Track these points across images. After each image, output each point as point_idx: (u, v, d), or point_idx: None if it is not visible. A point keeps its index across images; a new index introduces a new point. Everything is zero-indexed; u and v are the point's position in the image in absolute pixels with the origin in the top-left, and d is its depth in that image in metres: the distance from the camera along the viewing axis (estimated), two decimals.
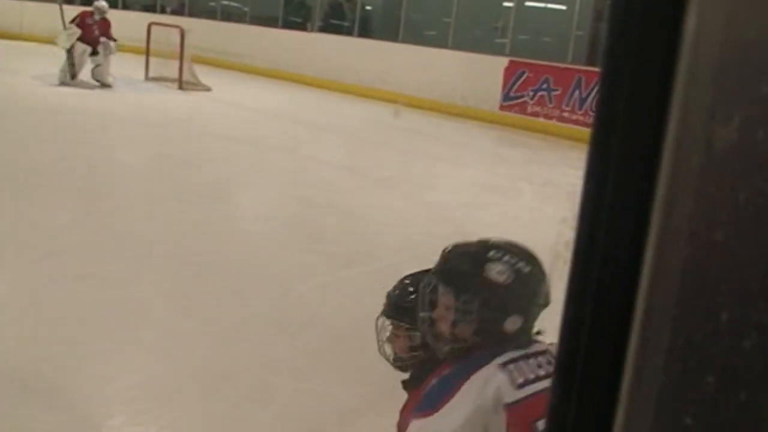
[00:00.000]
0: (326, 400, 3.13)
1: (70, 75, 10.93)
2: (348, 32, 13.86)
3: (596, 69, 10.23)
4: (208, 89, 11.88)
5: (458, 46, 12.04)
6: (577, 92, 10.50)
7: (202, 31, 13.99)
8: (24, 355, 3.23)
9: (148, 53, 12.37)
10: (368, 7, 14.39)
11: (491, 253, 1.62)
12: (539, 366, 1.53)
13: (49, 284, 4.02)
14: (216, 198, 6.11)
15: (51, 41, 15.18)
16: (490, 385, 1.51)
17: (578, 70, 10.53)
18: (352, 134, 9.75)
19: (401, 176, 7.42)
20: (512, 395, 1.47)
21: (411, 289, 1.92)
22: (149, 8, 16.77)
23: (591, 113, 10.27)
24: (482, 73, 11.57)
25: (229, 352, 3.47)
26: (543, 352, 1.56)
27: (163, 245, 4.77)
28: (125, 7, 16.35)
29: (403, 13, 12.96)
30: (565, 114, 10.66)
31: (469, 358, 1.62)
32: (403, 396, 1.87)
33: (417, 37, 12.87)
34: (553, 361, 1.54)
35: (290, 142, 8.58)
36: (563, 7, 11.59)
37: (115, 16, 11.48)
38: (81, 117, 8.95)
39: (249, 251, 4.85)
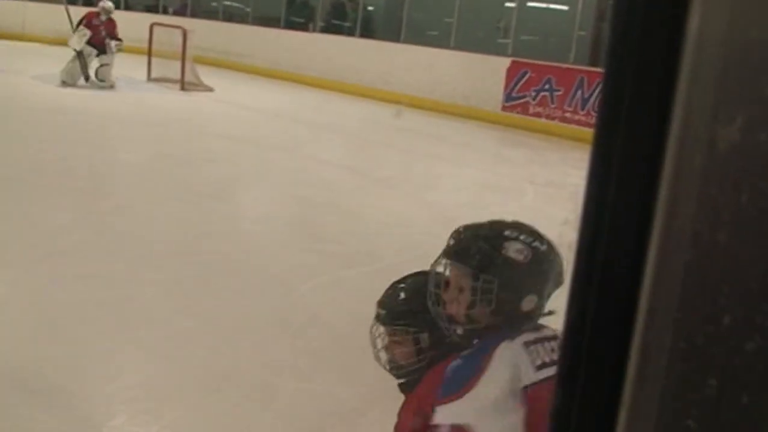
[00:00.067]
0: (327, 400, 3.13)
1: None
2: (350, 32, 13.87)
3: (599, 69, 10.23)
4: (210, 89, 11.89)
5: (460, 46, 12.04)
6: (579, 92, 10.50)
7: (204, 31, 14.01)
8: (24, 354, 3.23)
9: (150, 54, 12.39)
10: (370, 8, 14.40)
11: (507, 232, 1.61)
12: (552, 350, 1.52)
13: (49, 284, 4.02)
14: (217, 198, 6.11)
15: (53, 42, 15.25)
16: (516, 360, 1.49)
17: (581, 71, 10.53)
18: (354, 134, 9.75)
19: (402, 176, 7.42)
20: (533, 376, 1.46)
21: (410, 292, 1.91)
22: (151, 9, 16.80)
23: (593, 113, 10.27)
24: (484, 74, 11.57)
25: (230, 351, 3.47)
26: (554, 337, 1.55)
27: (164, 245, 4.77)
28: (127, 7, 16.38)
29: (405, 13, 12.97)
30: (568, 114, 10.66)
31: (486, 337, 1.60)
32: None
33: (419, 37, 12.87)
34: None
35: (292, 142, 8.58)
36: (565, 8, 11.59)
37: (118, 17, 11.49)
38: (82, 117, 8.96)
39: (250, 251, 4.85)
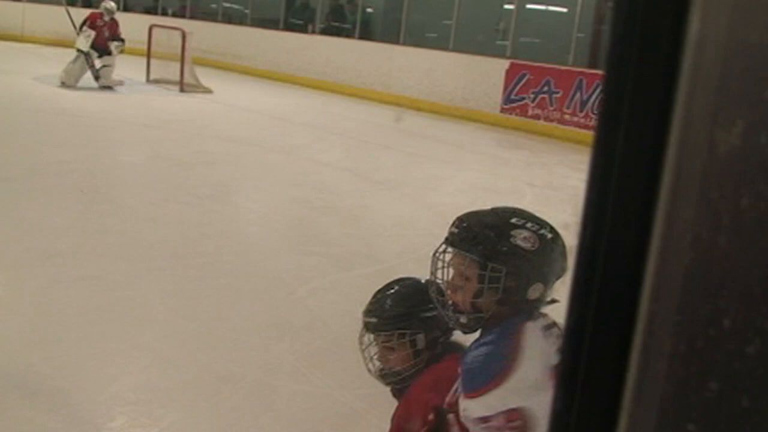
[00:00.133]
0: (327, 402, 3.13)
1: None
2: (349, 34, 13.87)
3: (598, 71, 10.25)
4: (209, 91, 11.89)
5: (459, 48, 12.05)
6: (578, 94, 10.50)
7: (203, 33, 14.02)
8: (24, 356, 3.23)
9: (149, 55, 12.39)
10: (369, 9, 14.40)
11: (514, 220, 1.59)
12: (558, 337, 1.51)
13: (49, 286, 4.02)
14: (217, 200, 6.11)
15: (52, 43, 15.25)
16: (542, 341, 1.49)
17: (580, 72, 10.54)
18: (353, 136, 9.75)
19: (402, 178, 7.42)
20: (555, 360, 1.46)
21: (396, 297, 1.92)
22: (150, 10, 16.79)
23: (592, 115, 10.27)
24: (483, 76, 11.57)
25: (229, 353, 3.47)
26: (556, 324, 1.54)
27: (164, 247, 4.76)
28: (126, 9, 16.37)
29: (404, 15, 12.97)
30: (567, 116, 10.66)
31: (499, 324, 1.57)
32: None
33: (418, 39, 12.88)
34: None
35: (291, 144, 8.58)
36: (564, 10, 11.60)
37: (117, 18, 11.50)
38: (81, 118, 8.95)
39: (249, 253, 4.85)
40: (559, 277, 1.60)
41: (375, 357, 1.92)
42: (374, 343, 1.91)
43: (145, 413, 2.94)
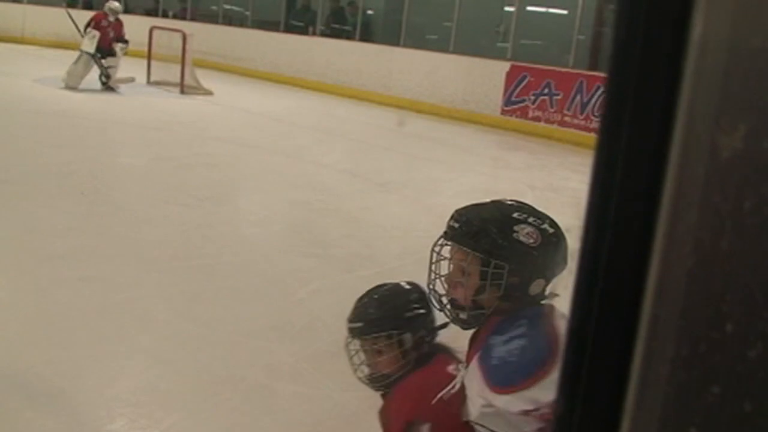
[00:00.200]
0: (327, 404, 3.13)
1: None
2: (350, 36, 13.88)
3: (598, 73, 10.25)
4: (210, 93, 11.89)
5: (460, 50, 12.05)
6: (578, 96, 10.50)
7: (203, 34, 14.03)
8: (25, 358, 3.23)
9: (149, 57, 12.40)
10: (370, 12, 14.41)
11: (516, 215, 1.56)
12: None
13: (50, 287, 4.02)
14: (217, 201, 6.11)
15: (52, 45, 15.26)
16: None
17: (580, 75, 10.54)
18: (354, 138, 9.75)
19: (402, 180, 7.42)
20: None
21: (379, 301, 1.93)
22: (151, 12, 16.80)
23: (593, 117, 10.27)
24: (484, 77, 11.58)
25: (229, 355, 3.47)
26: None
27: (165, 248, 4.77)
28: (127, 10, 16.36)
29: (404, 17, 12.97)
30: (567, 118, 10.66)
31: (516, 315, 1.52)
32: None
33: (419, 41, 12.88)
34: None
35: (292, 146, 8.58)
36: (565, 12, 11.60)
37: None
38: (82, 120, 8.96)
39: (250, 255, 4.85)
40: (560, 271, 1.58)
41: (363, 363, 1.93)
42: (361, 349, 1.92)
43: (144, 415, 2.94)
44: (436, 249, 1.61)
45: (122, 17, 11.48)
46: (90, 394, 3.03)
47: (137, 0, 16.74)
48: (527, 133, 10.78)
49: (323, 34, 14.25)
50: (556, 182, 7.73)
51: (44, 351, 3.30)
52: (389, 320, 1.87)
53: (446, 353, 1.93)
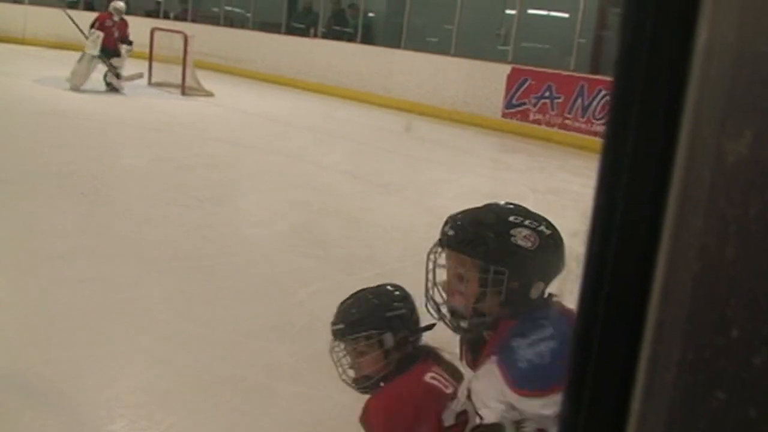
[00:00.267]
0: (327, 404, 3.12)
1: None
2: (351, 38, 13.89)
3: (599, 77, 10.25)
4: (211, 94, 11.90)
5: (461, 53, 12.06)
6: (579, 100, 10.51)
7: (205, 36, 14.04)
8: (25, 358, 3.23)
9: (151, 58, 12.41)
10: (371, 14, 14.42)
11: (512, 218, 1.53)
12: None
13: (50, 288, 4.02)
14: (217, 202, 6.11)
15: (53, 46, 15.26)
16: None
17: (581, 78, 10.54)
18: (355, 140, 9.76)
19: (403, 181, 7.42)
20: None
21: (359, 302, 1.94)
22: (152, 13, 16.82)
23: (593, 121, 10.27)
24: (485, 80, 11.58)
25: (229, 356, 3.46)
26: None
27: (165, 249, 4.76)
28: (129, 12, 16.35)
29: (405, 20, 12.98)
30: (568, 121, 10.67)
31: (533, 317, 1.49)
32: None
33: (420, 43, 12.89)
34: None
35: (292, 148, 8.59)
36: (566, 15, 11.60)
37: None
38: (83, 121, 8.96)
39: (250, 255, 4.85)
40: (558, 273, 1.55)
41: (348, 366, 1.94)
42: (345, 350, 1.93)
43: (144, 416, 2.93)
44: (432, 257, 1.57)
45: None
46: (90, 394, 3.03)
47: (139, 1, 16.75)
48: (528, 136, 10.78)
49: (324, 36, 14.26)
50: (557, 185, 7.73)
51: (44, 351, 3.30)
52: (368, 320, 1.88)
53: (432, 355, 1.92)
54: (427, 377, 1.81)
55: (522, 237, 1.50)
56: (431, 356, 1.91)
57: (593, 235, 0.44)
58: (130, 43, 11.18)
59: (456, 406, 1.73)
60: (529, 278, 1.51)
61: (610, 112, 0.44)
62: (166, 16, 16.73)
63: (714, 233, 0.40)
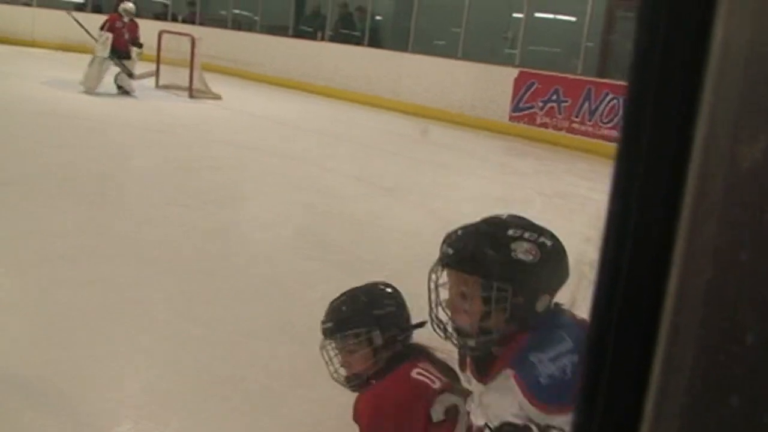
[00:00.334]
0: (327, 404, 3.12)
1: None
2: (358, 42, 13.91)
3: (606, 80, 10.24)
4: (218, 97, 11.93)
5: (468, 56, 12.06)
6: (587, 103, 10.50)
7: (212, 39, 14.08)
8: (27, 359, 3.23)
9: (158, 61, 12.45)
10: (378, 17, 14.44)
11: (511, 232, 1.50)
12: None
13: (50, 288, 4.02)
14: (222, 204, 6.12)
15: (61, 48, 15.33)
16: None
17: (588, 81, 10.53)
18: (361, 143, 9.77)
19: (409, 185, 7.42)
20: None
21: (347, 300, 1.95)
22: (160, 16, 16.88)
23: (600, 125, 10.26)
24: (492, 84, 11.58)
25: (233, 357, 3.47)
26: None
27: (168, 250, 4.77)
28: (137, 15, 16.44)
29: (413, 23, 13.00)
30: (575, 125, 10.65)
31: (549, 329, 1.45)
32: None
33: (427, 47, 12.91)
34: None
35: (298, 150, 8.60)
36: (573, 18, 11.60)
37: None
38: (89, 122, 9.00)
39: (254, 257, 4.85)
40: (563, 283, 1.53)
41: (339, 364, 1.95)
42: (336, 349, 1.94)
43: (147, 417, 2.94)
44: (433, 276, 1.54)
45: None
46: (93, 396, 3.04)
47: (147, 4, 16.81)
48: (535, 140, 10.78)
49: (332, 40, 14.29)
50: (564, 188, 7.72)
51: (44, 351, 3.30)
52: (356, 319, 1.89)
53: (423, 353, 1.92)
54: (413, 373, 1.82)
55: (523, 251, 1.47)
56: (422, 354, 1.91)
57: (607, 240, 0.43)
58: (140, 45, 11.21)
59: (445, 400, 1.73)
60: (533, 292, 1.48)
61: (623, 115, 0.44)
62: (174, 19, 16.79)
63: (728, 238, 0.39)
